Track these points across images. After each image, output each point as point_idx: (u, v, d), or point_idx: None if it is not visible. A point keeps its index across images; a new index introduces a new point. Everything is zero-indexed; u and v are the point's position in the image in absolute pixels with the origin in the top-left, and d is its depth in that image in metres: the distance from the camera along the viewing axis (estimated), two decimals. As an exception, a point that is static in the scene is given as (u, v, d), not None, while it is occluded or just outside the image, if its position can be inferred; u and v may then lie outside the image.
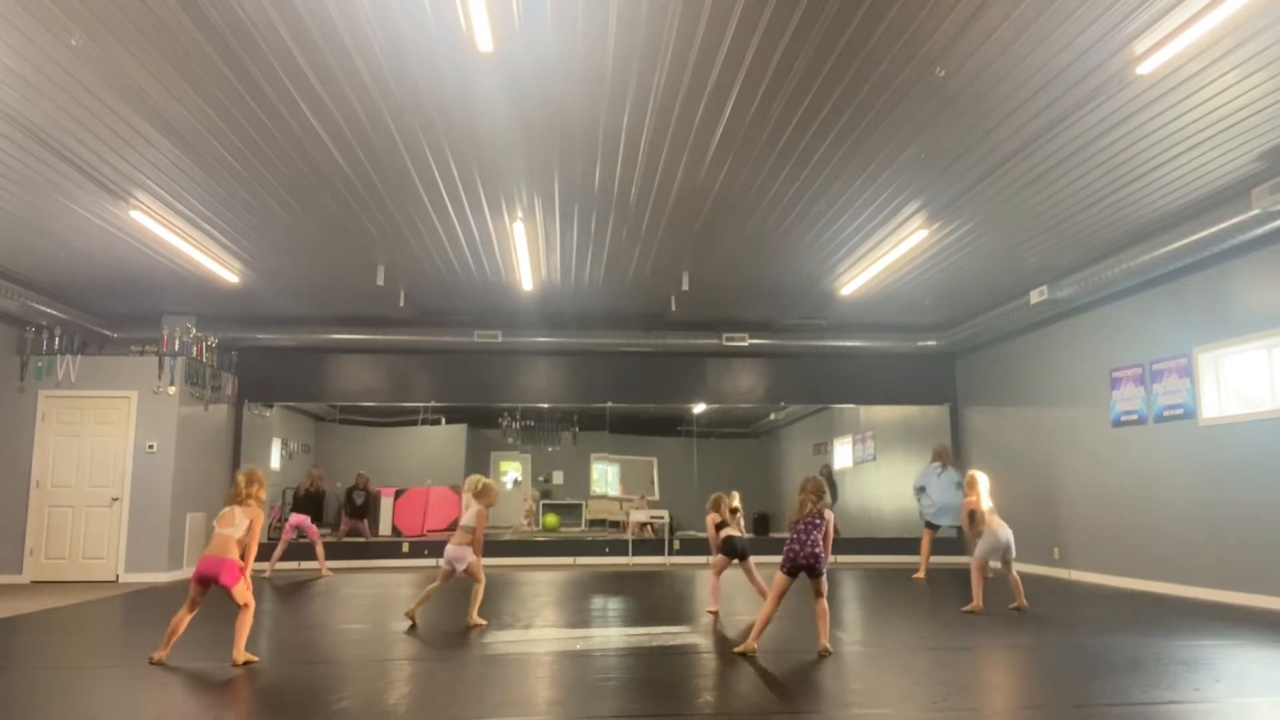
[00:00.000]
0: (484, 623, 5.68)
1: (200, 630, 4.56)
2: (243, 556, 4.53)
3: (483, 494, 5.69)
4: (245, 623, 4.51)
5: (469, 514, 5.69)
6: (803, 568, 4.67)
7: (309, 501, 9.81)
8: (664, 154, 5.73)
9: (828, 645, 4.63)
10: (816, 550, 4.67)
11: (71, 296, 9.15)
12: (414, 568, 10.56)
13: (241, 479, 4.66)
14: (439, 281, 8.80)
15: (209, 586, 4.48)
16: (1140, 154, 5.67)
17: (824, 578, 4.70)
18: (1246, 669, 4.34)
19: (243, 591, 4.50)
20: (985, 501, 6.42)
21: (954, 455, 9.65)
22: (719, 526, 6.25)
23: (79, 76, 4.67)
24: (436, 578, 5.78)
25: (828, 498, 4.83)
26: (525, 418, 12.81)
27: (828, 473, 12.26)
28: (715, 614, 6.19)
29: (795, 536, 4.71)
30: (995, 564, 6.29)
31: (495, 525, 13.02)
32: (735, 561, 6.19)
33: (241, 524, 4.54)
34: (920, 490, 9.34)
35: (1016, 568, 6.50)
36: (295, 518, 9.55)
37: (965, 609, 6.19)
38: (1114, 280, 7.71)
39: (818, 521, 4.73)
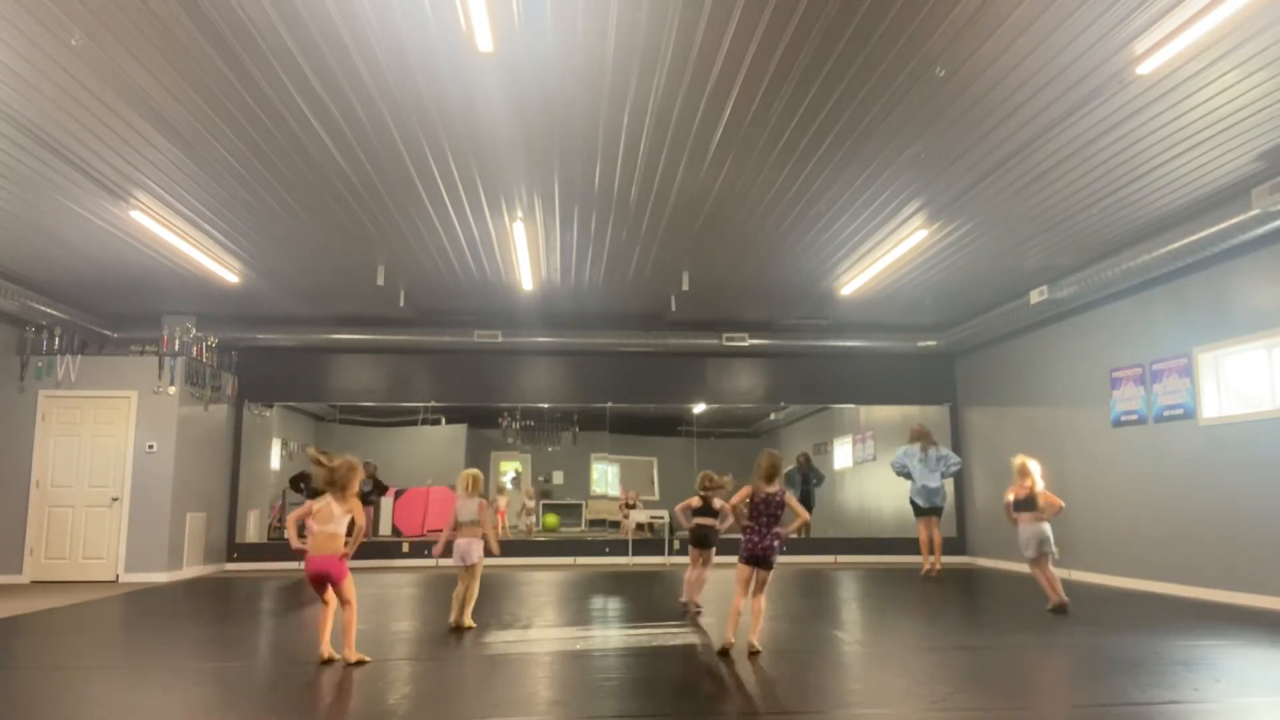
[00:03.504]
0: (474, 626, 5.54)
1: (201, 631, 4.56)
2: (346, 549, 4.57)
3: (474, 488, 5.61)
4: (351, 620, 4.55)
5: (469, 508, 5.54)
6: (756, 559, 4.71)
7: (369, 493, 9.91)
8: (664, 154, 5.73)
9: (756, 643, 4.64)
10: (770, 544, 4.71)
11: (71, 296, 9.15)
12: (414, 568, 10.55)
13: (324, 472, 4.56)
14: (439, 281, 8.80)
15: (326, 585, 4.54)
16: (1140, 154, 5.68)
17: (770, 574, 4.75)
18: (1246, 669, 4.34)
19: (349, 588, 4.56)
20: (1040, 487, 6.48)
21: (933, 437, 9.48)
22: (697, 512, 6.17)
23: (79, 76, 4.67)
24: (459, 581, 5.62)
25: (781, 481, 4.84)
26: (525, 418, 12.81)
27: (805, 460, 12.15)
28: (692, 605, 6.24)
29: (754, 526, 4.75)
30: (1030, 555, 6.36)
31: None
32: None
33: (342, 520, 4.55)
34: (903, 469, 9.29)
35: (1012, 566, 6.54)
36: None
37: (1049, 608, 6.19)
38: (1114, 280, 7.71)
39: (776, 507, 4.73)
